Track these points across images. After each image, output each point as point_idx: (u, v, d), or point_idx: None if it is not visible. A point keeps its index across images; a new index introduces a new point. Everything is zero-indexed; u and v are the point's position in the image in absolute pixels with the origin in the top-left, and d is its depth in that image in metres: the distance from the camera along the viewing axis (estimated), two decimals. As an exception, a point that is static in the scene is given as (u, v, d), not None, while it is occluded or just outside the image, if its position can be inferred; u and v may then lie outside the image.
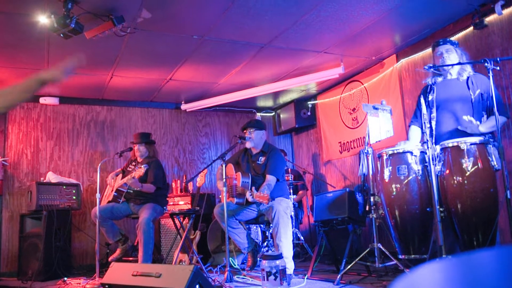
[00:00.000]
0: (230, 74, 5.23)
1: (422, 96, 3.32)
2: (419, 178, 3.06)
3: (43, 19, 3.47)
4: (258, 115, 7.00)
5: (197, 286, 2.58)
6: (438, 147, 2.95)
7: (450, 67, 3.22)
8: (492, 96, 3.02)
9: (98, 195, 4.26)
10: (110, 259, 4.59)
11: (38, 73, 2.04)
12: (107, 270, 3.13)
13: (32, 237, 4.76)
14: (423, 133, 3.34)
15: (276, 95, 6.25)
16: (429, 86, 3.36)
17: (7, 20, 3.60)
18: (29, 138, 5.62)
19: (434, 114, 3.18)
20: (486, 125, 3.02)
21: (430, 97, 3.29)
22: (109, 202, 4.63)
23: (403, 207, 3.08)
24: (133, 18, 3.64)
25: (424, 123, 2.92)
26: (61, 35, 3.40)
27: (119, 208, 4.61)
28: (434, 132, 3.17)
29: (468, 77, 3.20)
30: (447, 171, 2.88)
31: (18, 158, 5.51)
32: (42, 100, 5.66)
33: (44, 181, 5.21)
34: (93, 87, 5.48)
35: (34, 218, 4.92)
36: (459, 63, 3.19)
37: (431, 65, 3.21)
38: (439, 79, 3.32)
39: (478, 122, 2.97)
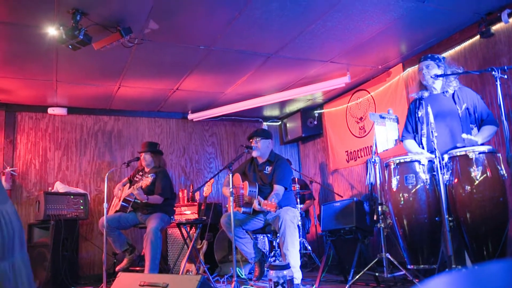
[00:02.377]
0: (236, 83, 5.25)
1: (412, 110, 3.43)
2: (427, 187, 3.04)
3: (52, 31, 3.52)
4: (265, 124, 7.01)
5: (204, 296, 2.57)
6: (446, 156, 2.94)
7: (434, 85, 3.28)
8: (479, 109, 3.16)
9: (105, 204, 4.27)
10: (117, 269, 4.59)
11: None
12: (114, 280, 3.12)
13: (40, 247, 4.77)
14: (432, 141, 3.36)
15: (282, 104, 6.26)
16: (417, 101, 3.39)
17: (17, 32, 3.65)
18: (38, 148, 5.67)
19: (424, 131, 3.25)
20: (482, 137, 3.06)
21: (420, 113, 3.33)
22: (116, 211, 4.64)
23: (411, 216, 3.06)
24: (140, 29, 3.68)
25: (432, 132, 2.91)
26: (70, 46, 3.44)
27: (126, 218, 4.62)
28: (425, 147, 3.23)
29: (454, 92, 3.26)
30: (456, 180, 2.86)
31: (26, 168, 5.56)
32: (50, 110, 5.71)
33: (52, 191, 5.24)
34: (101, 97, 5.52)
35: (42, 228, 4.94)
36: (465, 72, 3.21)
37: (437, 74, 3.23)
38: (426, 93, 3.38)
39: (476, 138, 2.97)
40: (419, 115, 3.36)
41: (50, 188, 5.41)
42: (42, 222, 4.86)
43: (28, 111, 5.67)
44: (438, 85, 3.32)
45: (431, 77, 3.25)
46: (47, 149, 5.71)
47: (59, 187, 5.29)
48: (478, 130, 3.19)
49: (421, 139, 3.34)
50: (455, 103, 3.22)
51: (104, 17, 3.42)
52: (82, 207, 5.12)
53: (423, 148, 3.30)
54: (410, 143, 3.44)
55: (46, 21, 3.46)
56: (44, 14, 3.35)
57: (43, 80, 4.81)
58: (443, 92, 3.30)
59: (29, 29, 3.58)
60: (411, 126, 3.46)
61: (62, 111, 5.78)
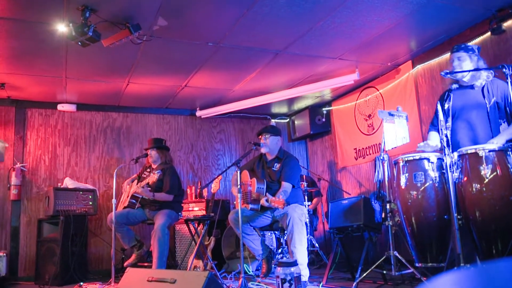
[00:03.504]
0: (245, 80, 5.25)
1: (439, 103, 3.34)
2: (436, 185, 3.01)
3: (62, 28, 3.54)
4: (273, 121, 7.00)
5: (212, 292, 2.58)
6: (455, 154, 2.91)
7: (464, 74, 3.19)
8: (510, 102, 3.01)
9: (114, 200, 4.30)
10: (125, 264, 4.63)
11: None
12: (123, 275, 3.15)
13: (49, 242, 4.82)
14: (441, 139, 3.34)
15: (290, 101, 6.25)
16: (446, 94, 3.35)
17: (27, 29, 3.67)
18: (47, 144, 5.72)
19: (449, 123, 3.19)
20: (506, 134, 2.97)
21: (446, 105, 3.28)
22: (125, 208, 4.67)
23: (420, 214, 3.04)
24: (149, 26, 3.69)
25: (441, 129, 2.89)
26: (79, 43, 3.46)
27: (134, 214, 4.65)
28: (450, 142, 3.18)
29: (484, 85, 3.17)
30: (465, 178, 2.84)
31: (36, 164, 5.61)
32: (59, 107, 5.76)
33: (62, 186, 5.29)
34: (110, 94, 5.55)
35: (51, 223, 4.99)
36: (475, 69, 3.16)
37: (447, 71, 3.18)
38: (455, 85, 3.32)
39: (494, 141, 2.90)
40: (446, 108, 3.30)
41: (59, 184, 5.46)
42: (52, 218, 4.91)
43: (38, 108, 5.72)
44: (467, 77, 3.21)
45: (452, 72, 3.17)
46: (56, 145, 5.76)
47: (69, 183, 5.34)
48: (509, 125, 3.09)
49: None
50: (484, 97, 3.13)
51: (113, 13, 3.43)
52: (91, 203, 5.16)
53: (448, 140, 3.21)
54: (431, 135, 3.43)
55: (55, 18, 3.48)
56: (53, 11, 3.37)
57: (53, 77, 4.85)
58: (472, 85, 3.20)
59: (39, 26, 3.61)
60: (437, 119, 3.42)
61: (71, 107, 5.82)
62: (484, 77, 3.18)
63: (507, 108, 3.07)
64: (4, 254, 4.55)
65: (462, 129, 3.18)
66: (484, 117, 3.11)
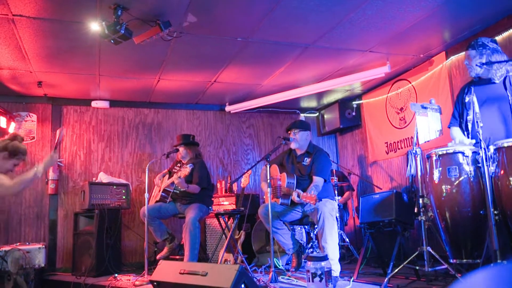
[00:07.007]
0: (273, 75, 5.24)
1: (460, 97, 3.36)
2: (471, 179, 2.93)
3: (95, 26, 3.63)
4: (302, 115, 6.97)
5: (243, 285, 2.61)
6: (492, 147, 2.83)
7: (476, 73, 3.20)
8: None
9: (146, 195, 4.40)
10: (158, 257, 4.73)
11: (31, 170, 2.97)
12: (155, 268, 3.22)
13: (85, 235, 4.98)
14: (463, 132, 3.30)
15: (320, 95, 6.20)
16: (467, 86, 3.31)
17: (62, 28, 3.78)
18: (82, 140, 5.89)
19: (470, 116, 3.18)
20: None
21: (467, 98, 3.25)
22: (157, 202, 4.77)
23: (454, 209, 2.97)
24: (179, 23, 3.73)
25: (477, 122, 2.81)
26: (112, 41, 3.53)
27: (166, 208, 4.74)
28: (470, 134, 3.15)
29: (506, 78, 3.16)
30: (502, 172, 2.75)
31: (72, 159, 5.79)
32: (93, 103, 5.92)
33: (96, 181, 5.44)
34: (141, 90, 5.65)
35: (87, 217, 5.14)
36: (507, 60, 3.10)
37: (482, 61, 3.12)
38: (475, 78, 3.31)
39: None
40: (466, 101, 3.27)
41: (94, 179, 5.62)
42: (87, 211, 5.06)
43: (73, 105, 5.90)
44: (485, 72, 3.22)
45: (476, 65, 3.15)
46: (91, 141, 5.92)
47: (103, 177, 5.49)
48: None
49: (466, 125, 3.27)
50: (506, 89, 3.12)
51: (144, 11, 3.49)
52: (124, 197, 5.28)
53: (468, 134, 3.22)
54: (455, 131, 3.38)
55: (89, 17, 3.57)
56: (87, 10, 3.46)
57: (87, 74, 4.98)
58: (493, 78, 3.19)
59: (73, 25, 3.71)
60: (458, 112, 3.39)
61: (104, 104, 5.97)
62: (503, 72, 3.17)
63: None
64: (43, 246, 4.72)
65: (484, 122, 3.11)
66: (507, 110, 3.09)
